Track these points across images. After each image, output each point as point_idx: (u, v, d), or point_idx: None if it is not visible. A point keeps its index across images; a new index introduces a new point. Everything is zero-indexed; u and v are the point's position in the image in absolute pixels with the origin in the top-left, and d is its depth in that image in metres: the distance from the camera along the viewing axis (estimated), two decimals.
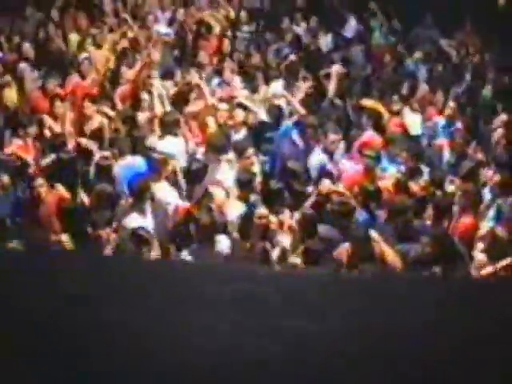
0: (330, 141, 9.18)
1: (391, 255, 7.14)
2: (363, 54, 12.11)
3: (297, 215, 7.62)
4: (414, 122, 10.11)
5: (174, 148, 8.87)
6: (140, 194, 7.78)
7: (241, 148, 8.85)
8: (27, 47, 11.10)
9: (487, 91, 11.05)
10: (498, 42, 12.10)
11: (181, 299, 3.39)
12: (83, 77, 10.31)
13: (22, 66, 10.72)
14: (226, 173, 8.58)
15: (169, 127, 9.03)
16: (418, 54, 12.03)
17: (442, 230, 7.66)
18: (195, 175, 8.56)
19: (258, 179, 8.50)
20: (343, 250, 7.20)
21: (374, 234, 7.19)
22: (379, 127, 9.77)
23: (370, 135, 9.55)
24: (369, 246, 7.13)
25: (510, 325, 3.29)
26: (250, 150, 8.78)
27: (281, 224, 7.64)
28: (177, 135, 9.13)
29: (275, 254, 7.31)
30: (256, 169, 8.70)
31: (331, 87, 10.47)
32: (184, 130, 9.26)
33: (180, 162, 8.84)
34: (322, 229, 7.50)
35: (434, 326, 3.26)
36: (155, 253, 7.37)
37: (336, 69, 10.70)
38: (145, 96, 9.69)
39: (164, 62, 11.09)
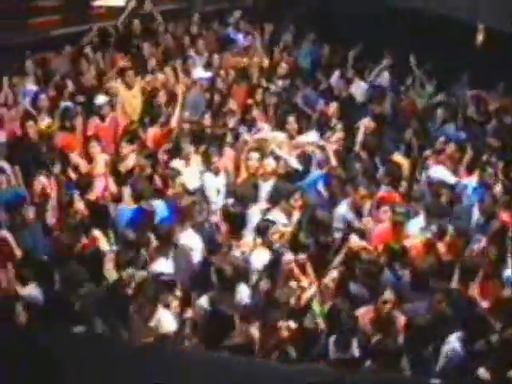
0: (359, 195, 9.12)
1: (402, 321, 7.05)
2: (394, 108, 12.07)
3: (333, 273, 7.57)
4: (445, 174, 9.96)
5: (214, 185, 9.15)
6: (165, 239, 7.82)
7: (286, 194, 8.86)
8: (69, 84, 11.13)
9: None
10: None
11: None
12: (103, 119, 10.37)
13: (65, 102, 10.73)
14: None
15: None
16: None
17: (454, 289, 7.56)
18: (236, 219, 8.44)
19: (289, 229, 8.42)
20: (366, 310, 7.13)
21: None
22: (399, 182, 9.71)
23: (387, 190, 9.46)
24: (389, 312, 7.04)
25: None
26: (297, 195, 8.77)
27: (303, 268, 7.60)
28: (217, 172, 9.37)
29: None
30: (296, 215, 8.66)
31: (358, 141, 10.47)
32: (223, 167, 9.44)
33: (216, 202, 9.01)
34: (353, 287, 7.49)
35: None
36: (177, 298, 7.36)
37: (365, 123, 10.69)
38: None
39: (197, 104, 11.14)
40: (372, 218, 8.85)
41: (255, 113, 11.07)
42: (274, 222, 8.17)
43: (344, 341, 6.73)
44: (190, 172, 9.42)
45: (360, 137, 10.52)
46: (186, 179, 9.14)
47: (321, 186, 9.45)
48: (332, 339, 6.79)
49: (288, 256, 7.65)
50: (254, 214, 8.72)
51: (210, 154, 9.60)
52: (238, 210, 8.44)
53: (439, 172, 9.95)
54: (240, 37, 13.29)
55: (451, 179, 9.84)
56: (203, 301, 7.18)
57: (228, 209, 8.49)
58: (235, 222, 8.30)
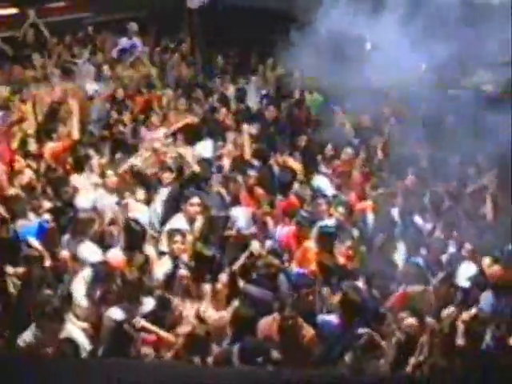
0: (260, 201, 9.32)
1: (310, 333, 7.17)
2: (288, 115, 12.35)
3: (223, 277, 7.68)
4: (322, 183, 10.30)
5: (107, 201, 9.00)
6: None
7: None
8: None
9: None
10: None
11: None
12: None
13: None
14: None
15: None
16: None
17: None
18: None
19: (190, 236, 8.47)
20: (270, 320, 7.18)
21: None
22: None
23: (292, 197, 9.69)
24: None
25: None
26: (195, 199, 8.85)
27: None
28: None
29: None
30: (199, 220, 8.74)
31: (246, 147, 10.64)
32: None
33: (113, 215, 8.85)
34: (253, 290, 7.62)
35: None
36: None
37: (245, 129, 10.88)
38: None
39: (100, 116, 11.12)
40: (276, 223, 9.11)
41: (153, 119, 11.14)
42: (178, 230, 8.27)
43: (252, 350, 6.62)
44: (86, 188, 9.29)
45: (246, 143, 10.65)
46: (82, 195, 9.07)
47: (223, 191, 9.60)
48: (236, 348, 6.67)
49: (182, 271, 7.76)
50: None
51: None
52: (138, 227, 8.41)
53: (320, 182, 10.28)
54: (132, 48, 13.27)
55: (330, 191, 10.14)
56: (111, 312, 7.17)
57: (129, 223, 8.47)
58: (135, 235, 8.30)
